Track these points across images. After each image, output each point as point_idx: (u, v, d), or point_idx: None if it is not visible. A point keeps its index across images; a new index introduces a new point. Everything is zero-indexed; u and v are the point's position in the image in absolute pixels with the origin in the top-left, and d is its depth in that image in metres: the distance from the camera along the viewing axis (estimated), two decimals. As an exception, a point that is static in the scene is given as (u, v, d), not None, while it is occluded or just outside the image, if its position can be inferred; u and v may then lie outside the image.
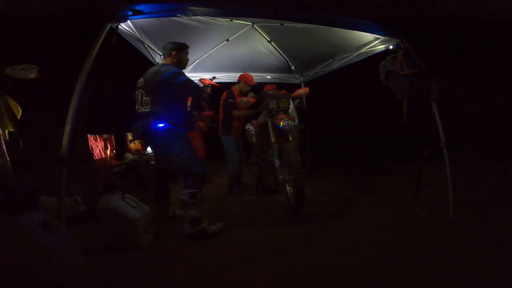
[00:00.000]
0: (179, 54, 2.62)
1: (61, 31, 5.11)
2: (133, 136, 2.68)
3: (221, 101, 3.98)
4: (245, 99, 3.49)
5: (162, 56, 2.77)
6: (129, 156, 4.16)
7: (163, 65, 2.58)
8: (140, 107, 2.54)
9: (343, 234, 2.48)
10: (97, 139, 3.82)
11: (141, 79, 2.57)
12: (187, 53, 2.72)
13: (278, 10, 2.61)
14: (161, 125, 2.45)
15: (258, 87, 4.07)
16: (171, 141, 2.48)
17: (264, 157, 3.64)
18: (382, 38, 3.05)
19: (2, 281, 1.58)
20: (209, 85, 3.10)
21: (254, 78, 4.06)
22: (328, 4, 3.94)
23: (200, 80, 3.45)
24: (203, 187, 2.56)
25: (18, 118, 2.56)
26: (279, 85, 4.10)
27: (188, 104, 3.08)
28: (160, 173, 2.89)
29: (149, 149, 4.59)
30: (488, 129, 5.73)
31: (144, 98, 2.49)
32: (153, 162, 4.29)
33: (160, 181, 2.88)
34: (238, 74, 4.12)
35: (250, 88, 3.97)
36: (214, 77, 3.88)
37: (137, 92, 2.56)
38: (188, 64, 4.22)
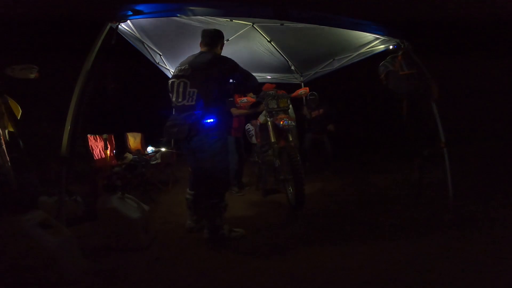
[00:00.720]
0: (222, 47, 2.45)
1: (61, 31, 5.11)
2: (170, 134, 2.26)
3: None
4: (244, 99, 3.49)
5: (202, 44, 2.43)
6: (129, 156, 4.16)
7: (215, 53, 2.33)
8: (181, 100, 2.21)
9: (343, 234, 2.48)
10: (97, 139, 3.82)
11: (186, 66, 2.26)
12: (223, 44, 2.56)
13: (278, 10, 2.61)
14: (210, 120, 2.18)
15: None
16: (215, 141, 2.22)
17: (264, 157, 3.64)
18: (382, 38, 3.06)
19: (2, 281, 1.58)
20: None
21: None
22: (328, 4, 3.94)
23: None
24: (225, 196, 2.36)
25: (18, 118, 2.56)
26: (279, 85, 4.10)
27: None
28: (198, 175, 2.44)
29: (149, 149, 4.59)
30: (488, 129, 5.73)
31: (189, 90, 2.19)
32: (153, 162, 4.29)
33: (198, 185, 2.51)
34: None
35: None
36: None
37: (176, 81, 2.25)
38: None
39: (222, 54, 2.48)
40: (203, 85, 2.19)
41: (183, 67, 2.28)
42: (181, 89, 2.22)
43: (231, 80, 2.40)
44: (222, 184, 2.32)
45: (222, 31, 3.39)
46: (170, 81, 2.32)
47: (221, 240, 2.32)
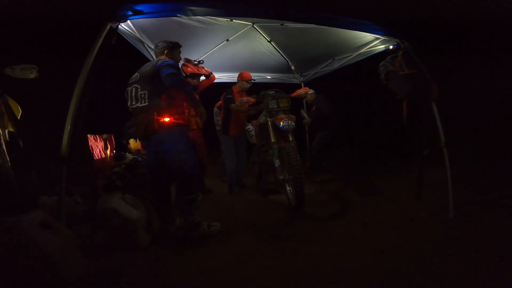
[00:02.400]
0: (171, 53, 2.55)
1: (61, 31, 5.11)
2: (128, 134, 2.43)
3: (221, 100, 3.99)
4: (244, 99, 3.48)
5: (154, 55, 2.71)
6: (129, 156, 4.15)
7: (158, 59, 2.48)
8: (135, 103, 2.36)
9: (343, 234, 2.48)
10: (97, 139, 3.82)
11: (136, 74, 2.44)
12: (179, 52, 2.66)
13: (278, 10, 2.61)
14: (166, 119, 2.30)
15: (258, 87, 4.07)
16: (174, 138, 2.33)
17: (264, 157, 3.64)
18: (382, 38, 3.06)
19: (2, 281, 1.58)
20: (192, 74, 3.04)
21: (254, 78, 4.06)
22: (328, 4, 3.94)
23: (182, 66, 3.38)
24: (199, 191, 2.46)
25: (18, 118, 2.56)
26: (279, 85, 4.11)
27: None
28: (158, 175, 2.54)
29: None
30: (488, 129, 5.73)
31: (140, 92, 2.33)
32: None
33: (158, 185, 2.56)
34: (238, 74, 4.13)
35: (248, 86, 3.96)
36: (200, 61, 3.67)
37: (129, 88, 2.41)
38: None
39: (222, 56, 2.62)
40: (151, 87, 2.32)
41: (133, 76, 2.45)
42: (133, 94, 2.37)
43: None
44: (193, 180, 2.40)
45: (222, 31, 3.38)
46: (126, 90, 2.45)
47: (200, 237, 2.39)
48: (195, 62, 3.58)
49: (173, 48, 2.59)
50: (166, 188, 2.57)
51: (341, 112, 8.08)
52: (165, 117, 2.30)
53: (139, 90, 2.35)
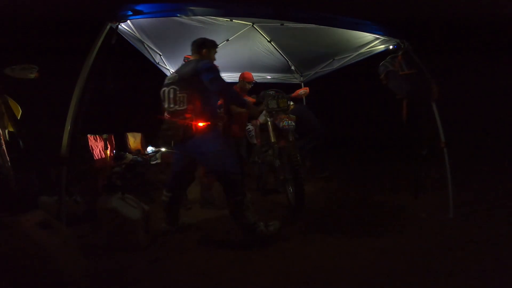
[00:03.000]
0: (209, 52, 2.52)
1: (61, 31, 5.11)
2: (166, 138, 2.36)
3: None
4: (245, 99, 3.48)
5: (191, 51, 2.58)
6: (129, 156, 4.16)
7: (199, 60, 2.40)
8: (173, 105, 2.30)
9: (343, 234, 2.48)
10: (97, 139, 3.82)
11: (174, 74, 2.39)
12: (215, 52, 2.62)
13: (278, 10, 2.61)
14: (202, 124, 2.26)
15: (258, 87, 4.06)
16: (212, 141, 2.29)
17: (264, 157, 3.64)
18: (382, 38, 3.05)
19: (2, 281, 1.58)
20: None
21: (254, 78, 4.05)
22: (328, 4, 3.94)
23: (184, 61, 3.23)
24: (245, 190, 2.34)
25: (18, 118, 2.56)
26: (279, 85, 4.10)
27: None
28: (180, 179, 2.55)
29: (149, 149, 4.59)
30: (488, 129, 5.73)
31: (179, 95, 2.28)
32: (153, 162, 4.29)
33: (177, 188, 2.56)
34: (238, 74, 4.12)
35: (250, 86, 3.95)
36: None
37: (166, 89, 2.36)
38: (188, 64, 4.24)
39: (222, 56, 2.58)
40: (190, 89, 2.28)
41: (171, 76, 2.41)
42: (171, 95, 2.32)
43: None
44: (235, 180, 2.30)
45: (222, 31, 3.37)
46: (162, 90, 2.42)
47: (260, 237, 2.29)
48: None
49: (212, 47, 2.55)
50: (182, 192, 2.61)
51: (341, 112, 8.12)
52: (202, 121, 2.27)
53: (177, 92, 2.30)
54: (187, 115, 2.25)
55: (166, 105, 2.37)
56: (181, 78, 2.32)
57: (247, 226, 2.29)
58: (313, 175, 4.51)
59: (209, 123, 2.29)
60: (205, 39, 2.55)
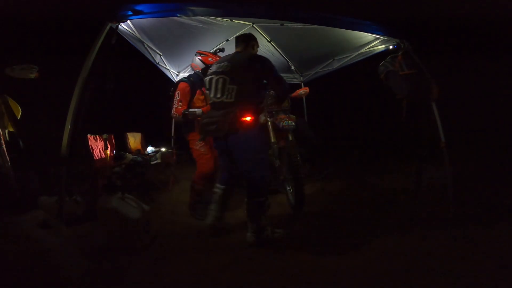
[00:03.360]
0: (254, 49, 2.51)
1: (61, 31, 5.11)
2: (208, 132, 2.26)
3: None
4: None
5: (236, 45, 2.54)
6: (129, 156, 4.16)
7: (251, 53, 2.39)
8: (220, 95, 2.22)
9: (343, 234, 2.48)
10: (97, 139, 3.82)
11: (225, 63, 2.27)
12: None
13: (278, 10, 2.61)
14: (248, 118, 2.18)
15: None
16: (254, 138, 2.21)
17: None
18: (382, 38, 3.06)
19: (2, 281, 1.58)
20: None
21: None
22: (328, 4, 3.94)
23: (199, 57, 3.10)
24: (268, 193, 2.34)
25: (18, 118, 2.57)
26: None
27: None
28: (230, 170, 2.45)
29: (149, 149, 4.59)
30: (488, 129, 5.73)
31: (228, 86, 2.19)
32: (153, 162, 4.29)
33: (228, 183, 2.50)
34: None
35: None
36: (222, 50, 3.30)
37: (215, 77, 2.26)
38: (188, 64, 4.25)
39: (222, 56, 2.54)
40: (242, 82, 2.20)
41: (222, 64, 2.29)
42: (220, 85, 2.23)
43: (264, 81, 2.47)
44: (263, 182, 2.27)
45: (222, 31, 3.37)
46: (208, 78, 2.36)
47: (265, 242, 2.26)
48: (217, 51, 3.28)
49: (256, 43, 2.56)
50: (232, 187, 2.53)
51: (341, 112, 8.12)
52: (246, 116, 2.18)
53: (227, 83, 2.21)
54: (235, 109, 2.16)
55: (212, 95, 2.29)
56: (233, 68, 2.22)
57: (258, 228, 2.25)
58: (312, 176, 4.51)
59: (254, 118, 2.22)
60: (251, 34, 2.59)
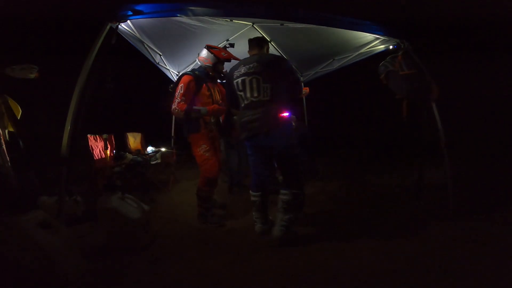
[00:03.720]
0: (268, 51, 2.64)
1: (61, 31, 5.11)
2: (251, 129, 2.30)
3: None
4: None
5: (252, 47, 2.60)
6: (129, 156, 4.16)
7: (275, 54, 2.61)
8: (257, 95, 2.29)
9: (343, 234, 2.48)
10: (97, 139, 3.82)
11: (254, 64, 2.35)
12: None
13: (278, 10, 2.61)
14: (286, 114, 2.30)
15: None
16: (291, 134, 2.35)
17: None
18: (382, 38, 3.06)
19: (2, 281, 1.58)
20: (226, 60, 2.81)
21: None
22: (328, 4, 3.94)
23: (211, 51, 2.88)
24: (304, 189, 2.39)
25: (18, 118, 2.56)
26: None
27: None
28: (265, 173, 2.50)
29: (149, 149, 4.59)
30: (488, 129, 5.73)
31: (263, 85, 2.28)
32: (153, 162, 4.29)
33: (263, 184, 2.50)
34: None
35: None
36: (231, 45, 3.11)
37: (247, 78, 2.33)
38: (188, 64, 4.25)
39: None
40: (275, 81, 2.31)
41: (251, 65, 2.36)
42: (254, 85, 2.31)
43: None
44: (302, 176, 2.39)
45: (222, 31, 3.36)
46: (239, 80, 2.38)
47: (292, 237, 2.32)
48: (227, 46, 3.09)
49: (268, 47, 2.67)
50: (268, 190, 2.52)
51: (341, 112, 8.12)
52: (284, 112, 2.30)
53: (261, 82, 2.30)
54: (273, 106, 2.27)
55: (248, 94, 2.33)
56: (263, 68, 2.32)
57: (289, 221, 2.31)
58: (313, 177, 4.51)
59: (289, 114, 2.35)
60: (262, 37, 2.72)
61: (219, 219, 2.82)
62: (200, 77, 2.80)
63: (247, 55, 4.29)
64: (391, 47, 3.09)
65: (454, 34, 6.15)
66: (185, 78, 2.74)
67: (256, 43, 2.57)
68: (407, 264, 1.93)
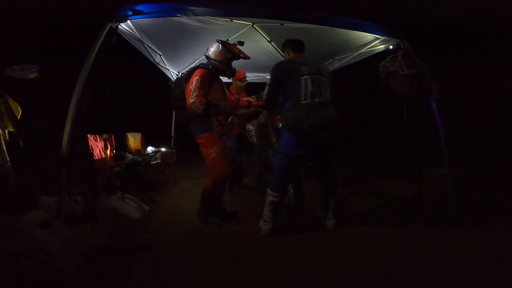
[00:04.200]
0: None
1: (61, 31, 5.11)
2: (334, 129, 2.47)
3: None
4: (237, 98, 3.46)
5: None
6: (129, 156, 4.16)
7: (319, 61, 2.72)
8: (326, 95, 2.42)
9: (343, 234, 2.48)
10: (97, 139, 3.82)
11: (313, 64, 2.47)
12: None
13: (278, 10, 2.61)
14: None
15: (258, 87, 4.06)
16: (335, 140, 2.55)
17: (264, 157, 3.64)
18: (382, 38, 3.06)
19: (2, 281, 1.58)
20: (238, 56, 2.77)
21: (254, 78, 4.05)
22: (328, 4, 3.93)
23: (226, 45, 2.77)
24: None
25: (18, 118, 2.56)
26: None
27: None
28: (288, 176, 2.58)
29: (149, 149, 4.59)
30: (488, 129, 5.73)
31: (327, 87, 2.46)
32: (153, 162, 4.29)
33: (285, 185, 2.68)
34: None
35: (243, 84, 3.95)
36: (240, 43, 2.92)
37: (315, 76, 2.38)
38: (188, 64, 4.25)
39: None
40: (327, 82, 2.47)
41: (312, 66, 2.45)
42: (321, 86, 2.40)
43: None
44: (336, 172, 2.60)
45: (222, 31, 3.36)
46: (308, 77, 2.37)
47: (333, 228, 2.55)
48: (237, 43, 2.93)
49: None
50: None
51: (340, 112, 8.12)
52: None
53: (325, 83, 2.44)
54: (333, 110, 2.42)
55: (319, 93, 2.37)
56: (322, 70, 2.47)
57: (338, 214, 2.56)
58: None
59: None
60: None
61: (219, 219, 2.81)
62: (213, 71, 2.66)
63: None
64: (391, 47, 3.09)
65: (454, 34, 6.15)
66: (200, 71, 2.56)
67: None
68: (407, 264, 1.93)
